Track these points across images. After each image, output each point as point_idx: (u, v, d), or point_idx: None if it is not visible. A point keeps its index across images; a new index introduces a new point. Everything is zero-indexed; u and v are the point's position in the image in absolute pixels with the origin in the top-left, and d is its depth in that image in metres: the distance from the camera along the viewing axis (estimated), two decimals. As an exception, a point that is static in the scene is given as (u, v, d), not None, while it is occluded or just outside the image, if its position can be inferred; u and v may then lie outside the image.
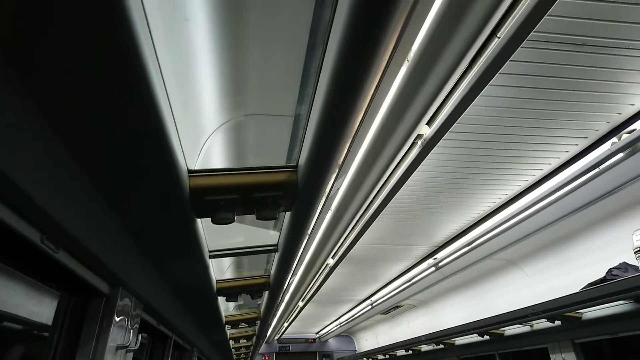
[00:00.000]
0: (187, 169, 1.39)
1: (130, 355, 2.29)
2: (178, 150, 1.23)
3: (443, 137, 2.73)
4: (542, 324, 4.80)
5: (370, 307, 9.08)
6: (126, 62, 0.85)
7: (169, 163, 1.20)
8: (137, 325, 2.38)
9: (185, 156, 1.36)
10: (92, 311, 1.97)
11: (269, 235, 2.48)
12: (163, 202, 1.46)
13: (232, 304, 4.98)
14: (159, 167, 1.23)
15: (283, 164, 1.57)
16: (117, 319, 2.06)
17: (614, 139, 3.03)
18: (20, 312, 1.86)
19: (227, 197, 1.50)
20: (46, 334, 1.86)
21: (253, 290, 3.17)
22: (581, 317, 4.30)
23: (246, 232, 2.45)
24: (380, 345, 11.00)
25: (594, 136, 3.23)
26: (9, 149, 0.94)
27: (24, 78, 0.89)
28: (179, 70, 1.26)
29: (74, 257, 1.59)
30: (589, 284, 4.04)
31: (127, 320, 2.22)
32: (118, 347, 2.09)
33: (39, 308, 1.83)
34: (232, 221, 1.61)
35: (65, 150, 1.12)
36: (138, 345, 2.32)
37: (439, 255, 5.76)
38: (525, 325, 5.11)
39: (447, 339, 6.92)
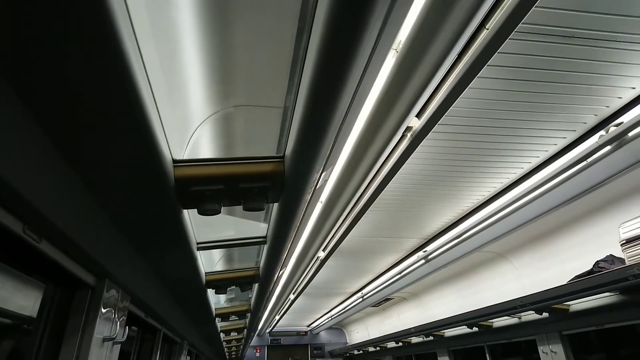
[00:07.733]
0: (172, 159, 1.37)
1: (118, 347, 2.28)
2: (162, 139, 1.21)
3: (432, 130, 2.73)
4: (530, 315, 4.87)
5: (361, 299, 9.12)
6: (104, 45, 0.83)
7: (152, 152, 1.18)
8: (124, 318, 2.37)
9: (173, 147, 1.35)
10: (78, 303, 1.96)
11: (258, 227, 2.47)
12: (148, 192, 1.45)
13: (222, 297, 4.97)
14: (142, 156, 1.21)
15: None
16: (104, 311, 2.05)
17: (602, 132, 3.05)
18: (8, 306, 1.83)
19: (213, 187, 1.49)
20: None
21: (242, 282, 3.17)
22: (568, 309, 4.37)
23: (235, 224, 2.44)
24: (370, 338, 11.09)
25: (582, 129, 3.25)
26: None
27: (1, 62, 0.87)
28: (164, 61, 1.24)
29: (58, 247, 1.57)
30: (576, 276, 4.10)
31: (114, 313, 2.20)
32: (104, 340, 2.08)
33: (28, 301, 1.80)
34: (219, 212, 1.59)
35: (47, 138, 1.10)
36: (125, 337, 2.31)
37: (429, 248, 5.79)
38: (514, 317, 5.18)
39: (436, 331, 6.99)
